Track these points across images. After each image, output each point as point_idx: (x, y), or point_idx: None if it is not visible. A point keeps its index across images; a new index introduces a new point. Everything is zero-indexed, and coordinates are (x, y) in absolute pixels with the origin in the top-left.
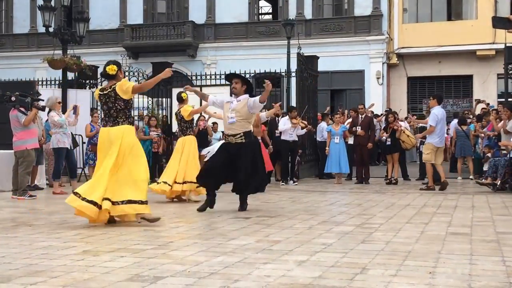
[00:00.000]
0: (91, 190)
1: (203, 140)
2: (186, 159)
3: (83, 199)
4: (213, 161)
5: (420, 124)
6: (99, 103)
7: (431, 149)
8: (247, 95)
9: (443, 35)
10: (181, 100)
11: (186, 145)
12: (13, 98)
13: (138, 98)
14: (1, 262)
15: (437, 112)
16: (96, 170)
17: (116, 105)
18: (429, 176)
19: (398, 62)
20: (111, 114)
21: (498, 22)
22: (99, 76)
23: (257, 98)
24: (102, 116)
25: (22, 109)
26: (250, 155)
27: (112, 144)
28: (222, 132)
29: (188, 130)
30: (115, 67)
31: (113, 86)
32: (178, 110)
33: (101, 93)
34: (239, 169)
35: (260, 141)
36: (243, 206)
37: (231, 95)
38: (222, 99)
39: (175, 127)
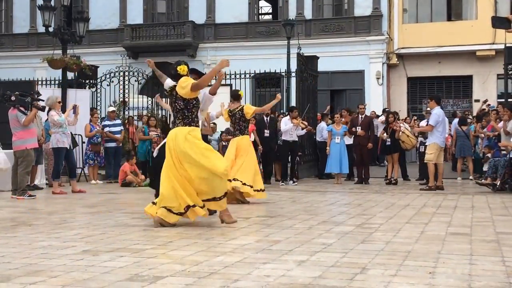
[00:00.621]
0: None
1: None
2: (242, 160)
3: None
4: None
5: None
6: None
7: (435, 149)
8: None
9: (443, 35)
10: (237, 98)
11: (243, 146)
12: (13, 98)
13: (138, 98)
14: (1, 261)
15: (437, 112)
16: (169, 170)
17: (176, 104)
18: (431, 176)
19: (398, 62)
20: (172, 114)
21: (498, 22)
22: (99, 76)
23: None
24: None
25: (22, 108)
26: None
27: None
28: (222, 132)
29: (246, 129)
30: (185, 68)
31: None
32: (237, 108)
33: (168, 93)
34: None
35: (252, 140)
36: None
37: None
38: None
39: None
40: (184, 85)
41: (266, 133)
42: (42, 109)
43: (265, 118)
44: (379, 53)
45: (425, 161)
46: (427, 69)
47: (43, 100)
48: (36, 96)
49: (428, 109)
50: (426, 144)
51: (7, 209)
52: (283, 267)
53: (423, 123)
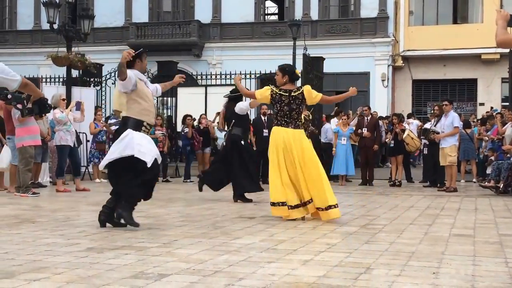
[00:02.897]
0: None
1: (204, 139)
2: None
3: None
4: None
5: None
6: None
7: (456, 151)
8: None
9: (449, 38)
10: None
11: None
12: (9, 96)
13: None
14: (4, 258)
15: (455, 115)
16: (276, 169)
17: (300, 108)
18: (454, 178)
19: (403, 64)
20: (292, 115)
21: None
22: (103, 74)
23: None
24: (278, 116)
25: (19, 106)
26: None
27: (292, 146)
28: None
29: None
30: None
31: (301, 90)
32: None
33: (284, 94)
34: None
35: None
36: None
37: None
38: None
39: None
40: (314, 96)
41: (265, 132)
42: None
43: (262, 118)
44: (385, 55)
45: (447, 164)
46: (432, 72)
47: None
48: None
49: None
50: (442, 146)
51: (11, 206)
52: (287, 266)
53: (427, 125)
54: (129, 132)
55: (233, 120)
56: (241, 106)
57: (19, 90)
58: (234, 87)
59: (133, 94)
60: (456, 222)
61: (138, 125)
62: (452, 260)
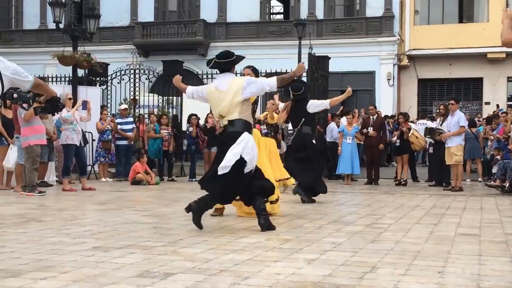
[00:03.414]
0: None
1: (211, 138)
2: None
3: None
4: None
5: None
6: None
7: (462, 150)
8: None
9: (454, 37)
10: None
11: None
12: (15, 95)
13: (148, 96)
14: (11, 257)
15: (461, 114)
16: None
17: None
18: (460, 177)
19: (409, 63)
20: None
21: None
22: (109, 73)
23: None
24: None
25: (24, 105)
26: None
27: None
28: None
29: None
30: None
31: None
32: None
33: None
34: None
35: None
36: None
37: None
38: None
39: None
40: None
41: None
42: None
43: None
44: (390, 54)
45: (453, 163)
46: (437, 71)
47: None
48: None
49: (439, 111)
50: (448, 146)
51: (17, 205)
52: (293, 265)
53: (432, 124)
54: (246, 136)
55: (303, 119)
56: (318, 104)
57: (31, 90)
58: None
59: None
60: (461, 221)
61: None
62: (457, 260)
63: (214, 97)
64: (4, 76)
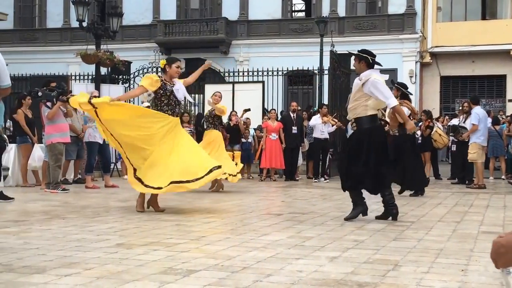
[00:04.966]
0: None
1: (234, 136)
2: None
3: None
4: None
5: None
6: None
7: (477, 148)
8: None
9: (477, 34)
10: None
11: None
12: (40, 93)
13: None
14: (36, 253)
15: (478, 111)
16: None
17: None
18: (480, 175)
19: (431, 61)
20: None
21: None
22: (132, 71)
23: None
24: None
25: (48, 104)
26: None
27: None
28: (254, 129)
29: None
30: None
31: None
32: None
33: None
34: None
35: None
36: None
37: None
38: None
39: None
40: None
41: (294, 130)
42: (67, 101)
43: (291, 115)
44: (413, 51)
45: (469, 161)
46: (460, 68)
47: (64, 92)
48: (59, 89)
49: (460, 108)
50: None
51: (41, 203)
52: (315, 263)
53: (454, 121)
54: None
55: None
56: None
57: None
58: (261, 84)
59: None
60: (484, 219)
61: None
62: (480, 258)
63: None
64: None
